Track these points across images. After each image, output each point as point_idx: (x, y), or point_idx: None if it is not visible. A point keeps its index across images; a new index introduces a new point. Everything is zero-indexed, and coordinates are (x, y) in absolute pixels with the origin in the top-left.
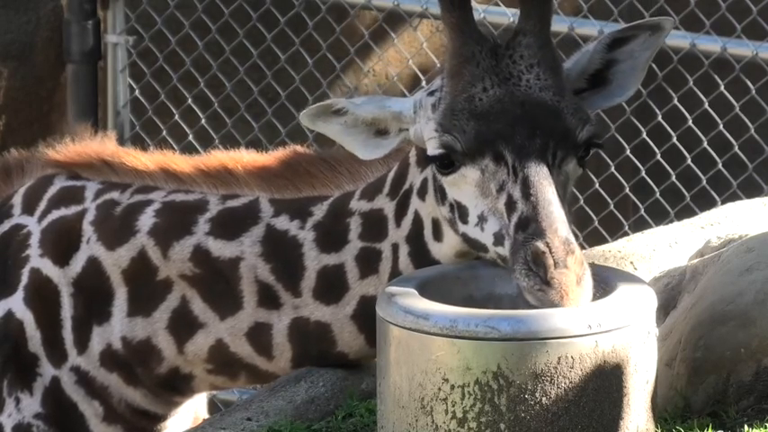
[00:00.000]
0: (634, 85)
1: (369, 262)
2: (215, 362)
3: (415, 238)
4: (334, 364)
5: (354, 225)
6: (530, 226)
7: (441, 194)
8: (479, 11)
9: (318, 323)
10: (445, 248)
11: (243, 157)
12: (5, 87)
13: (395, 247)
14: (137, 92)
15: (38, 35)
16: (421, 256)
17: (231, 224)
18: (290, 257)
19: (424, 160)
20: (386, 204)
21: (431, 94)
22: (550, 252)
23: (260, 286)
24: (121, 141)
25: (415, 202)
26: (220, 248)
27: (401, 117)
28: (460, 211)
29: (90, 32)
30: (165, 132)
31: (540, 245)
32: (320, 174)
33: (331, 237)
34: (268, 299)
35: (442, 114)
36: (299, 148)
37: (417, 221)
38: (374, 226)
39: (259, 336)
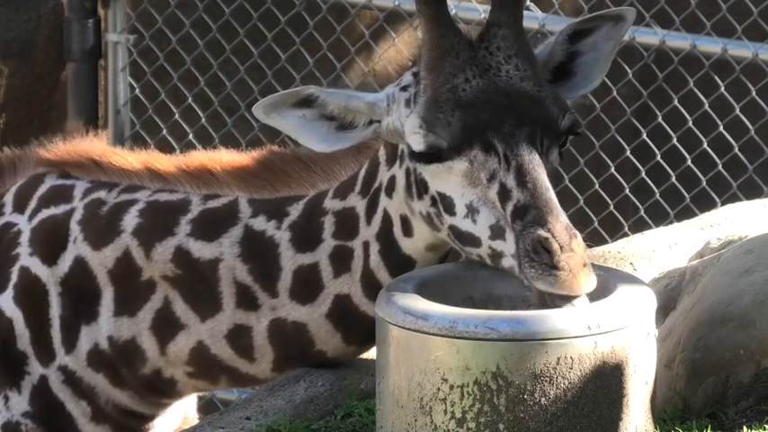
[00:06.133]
0: (598, 76)
1: (342, 260)
2: (195, 364)
3: (385, 235)
4: (314, 364)
5: (328, 224)
6: (528, 213)
7: (421, 188)
8: (480, 11)
9: (295, 323)
10: (416, 243)
11: (222, 158)
12: (6, 86)
13: (366, 246)
14: (137, 91)
15: (38, 34)
16: (391, 253)
17: (211, 225)
18: (267, 258)
19: (393, 157)
20: (357, 203)
21: (403, 89)
22: (554, 236)
23: (238, 287)
24: (122, 140)
25: (383, 201)
26: (200, 249)
27: (375, 108)
28: (445, 203)
29: (90, 31)
30: (165, 131)
31: (542, 231)
32: (296, 173)
33: (306, 236)
34: (246, 300)
35: (425, 107)
36: (275, 148)
37: (386, 219)
38: (346, 224)
39: (239, 338)
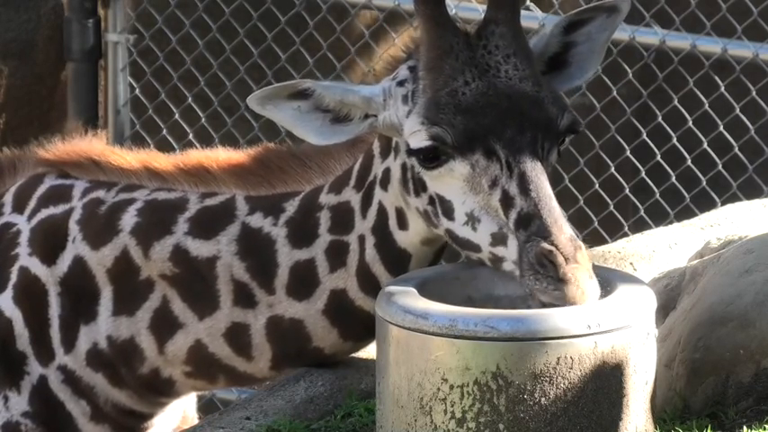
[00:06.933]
0: (593, 67)
1: (337, 255)
2: (194, 363)
3: (381, 228)
4: (312, 362)
5: (324, 219)
6: (532, 223)
7: (419, 186)
8: (480, 11)
9: (292, 320)
10: (411, 236)
11: (219, 156)
12: (6, 86)
13: (361, 239)
14: (137, 91)
15: (38, 33)
16: (386, 246)
17: (209, 223)
18: (264, 255)
19: (387, 149)
20: (352, 196)
21: (400, 84)
22: (558, 249)
23: (235, 285)
24: (122, 140)
25: (378, 194)
26: (198, 248)
27: (371, 102)
28: (444, 206)
29: (90, 31)
30: (165, 131)
31: (546, 244)
32: (291, 170)
33: (302, 232)
34: (243, 297)
35: (425, 108)
36: (270, 145)
37: (382, 212)
38: (342, 219)
39: (237, 336)
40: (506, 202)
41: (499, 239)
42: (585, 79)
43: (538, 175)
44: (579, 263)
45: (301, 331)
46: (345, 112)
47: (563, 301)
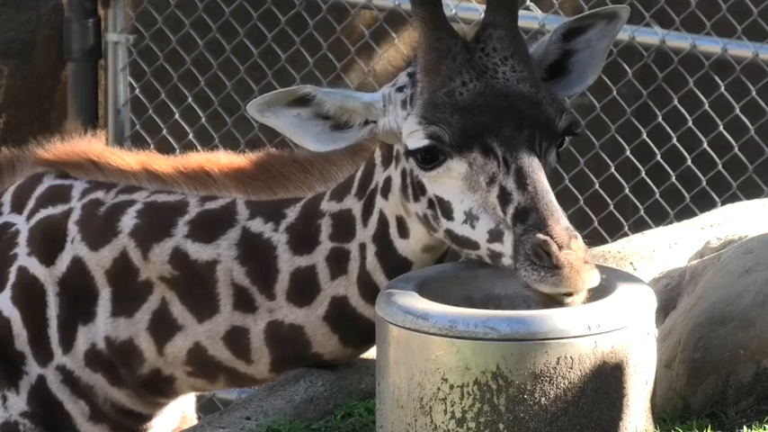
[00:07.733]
0: (593, 74)
1: (338, 262)
2: (194, 364)
3: (381, 237)
4: (312, 365)
5: (325, 226)
6: (529, 216)
7: (418, 190)
8: (480, 11)
9: (292, 326)
10: (412, 244)
11: (220, 159)
12: (6, 86)
13: (362, 247)
14: (137, 91)
15: (38, 33)
16: (387, 255)
17: (209, 227)
18: (264, 260)
19: (389, 158)
20: (354, 204)
21: (399, 90)
22: (553, 239)
23: (235, 289)
24: (122, 140)
25: (379, 202)
26: (198, 251)
27: (371, 108)
28: (443, 207)
29: (90, 31)
30: (165, 131)
31: (541, 235)
32: (293, 176)
33: (303, 238)
34: (243, 302)
35: (423, 108)
36: (272, 150)
37: (383, 220)
38: (343, 226)
39: (237, 340)
40: (504, 197)
41: (496, 236)
42: (586, 86)
43: (535, 170)
44: (573, 249)
45: (301, 337)
46: (345, 119)
47: (560, 285)
